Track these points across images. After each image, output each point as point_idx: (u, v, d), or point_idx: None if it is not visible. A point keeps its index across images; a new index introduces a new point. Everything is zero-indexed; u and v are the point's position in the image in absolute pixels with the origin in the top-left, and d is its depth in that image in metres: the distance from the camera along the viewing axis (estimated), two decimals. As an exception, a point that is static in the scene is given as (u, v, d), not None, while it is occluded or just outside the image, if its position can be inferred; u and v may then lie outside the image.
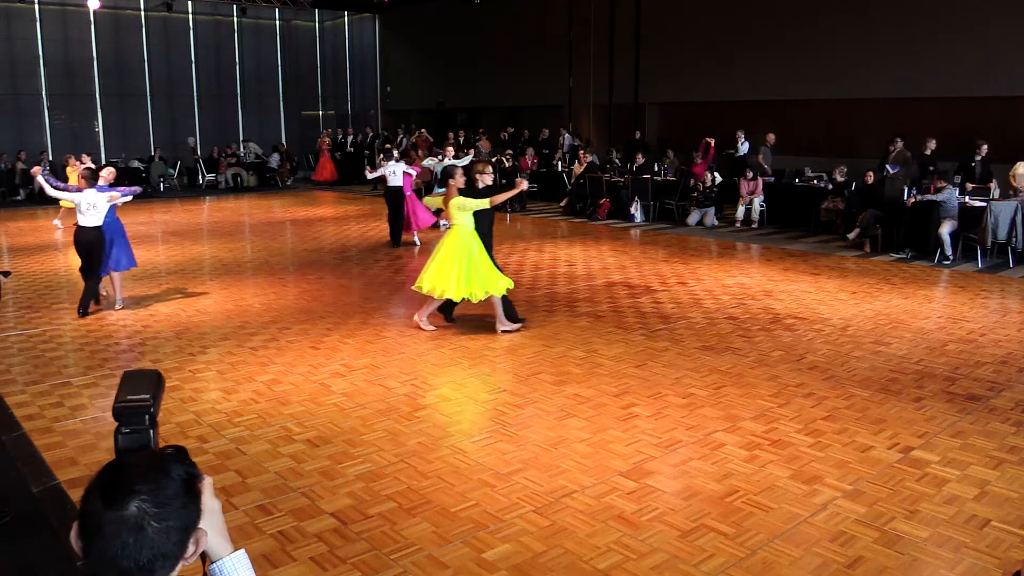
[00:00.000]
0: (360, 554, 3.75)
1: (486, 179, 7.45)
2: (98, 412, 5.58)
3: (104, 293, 8.86)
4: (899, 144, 13.45)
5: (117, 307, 8.61)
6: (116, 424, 1.42)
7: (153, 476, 1.21)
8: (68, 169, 14.74)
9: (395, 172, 12.66)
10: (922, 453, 4.83)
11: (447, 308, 7.76)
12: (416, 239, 13.01)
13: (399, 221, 12.77)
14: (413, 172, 13.03)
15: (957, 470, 4.59)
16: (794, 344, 7.15)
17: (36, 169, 9.49)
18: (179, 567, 1.24)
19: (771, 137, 15.84)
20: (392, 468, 4.67)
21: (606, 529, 3.95)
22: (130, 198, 8.72)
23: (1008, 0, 13.38)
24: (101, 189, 8.29)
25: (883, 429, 5.19)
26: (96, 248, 8.19)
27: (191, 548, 1.24)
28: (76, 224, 8.24)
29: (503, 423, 5.34)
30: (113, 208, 8.47)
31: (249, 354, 6.94)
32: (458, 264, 7.23)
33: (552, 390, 5.97)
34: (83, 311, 8.30)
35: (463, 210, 7.27)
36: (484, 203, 7.23)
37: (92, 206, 8.13)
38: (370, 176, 13.69)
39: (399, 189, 12.64)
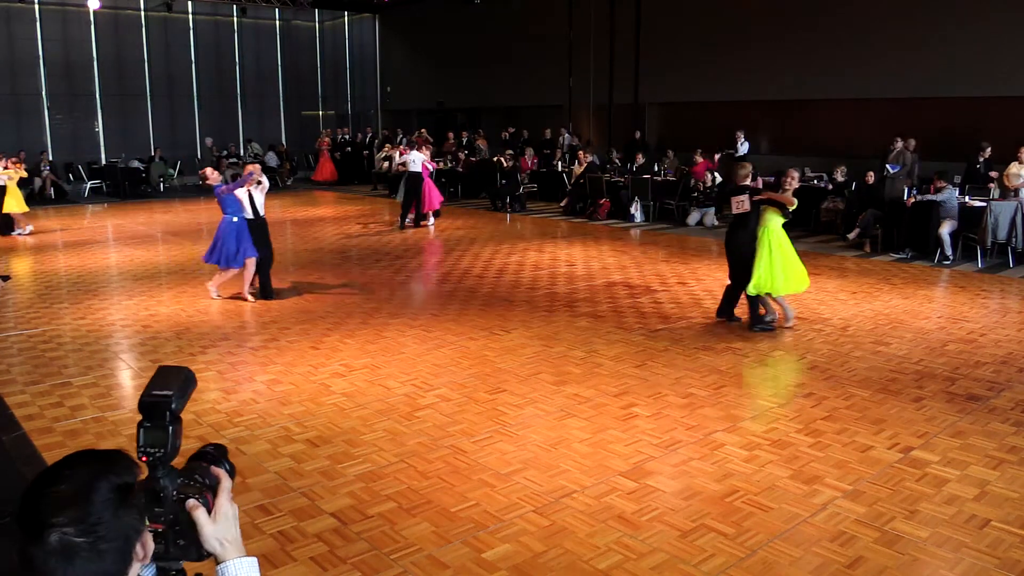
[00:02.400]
0: (360, 554, 3.75)
1: (748, 178, 7.77)
2: (98, 412, 5.58)
3: (252, 290, 9.11)
4: (899, 144, 13.46)
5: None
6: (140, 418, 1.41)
7: (74, 502, 1.15)
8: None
9: (415, 160, 14.63)
10: (922, 453, 4.83)
11: (729, 306, 7.88)
12: (431, 221, 14.89)
13: (412, 202, 14.65)
14: (431, 167, 15.03)
15: (957, 470, 4.59)
16: (794, 344, 7.15)
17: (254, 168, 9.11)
18: (134, 570, 1.21)
19: (912, 142, 13.62)
20: (392, 468, 4.67)
21: (606, 529, 3.95)
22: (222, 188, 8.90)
23: (1008, 0, 13.38)
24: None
25: (883, 429, 5.19)
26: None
27: (140, 553, 1.21)
28: (251, 218, 8.80)
29: (503, 423, 5.34)
30: (235, 205, 8.73)
31: (249, 354, 6.93)
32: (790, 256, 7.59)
33: (552, 390, 5.97)
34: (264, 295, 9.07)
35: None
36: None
37: (262, 193, 8.91)
38: (397, 159, 15.24)
39: (418, 175, 14.56)
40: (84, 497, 1.15)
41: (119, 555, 1.18)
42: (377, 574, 3.60)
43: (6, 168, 14.18)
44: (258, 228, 8.84)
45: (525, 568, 3.63)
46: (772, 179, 15.04)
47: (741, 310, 7.89)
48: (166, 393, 1.39)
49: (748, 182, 7.70)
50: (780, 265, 7.43)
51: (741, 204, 7.51)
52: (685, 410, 5.54)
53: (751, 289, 7.45)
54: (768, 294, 7.51)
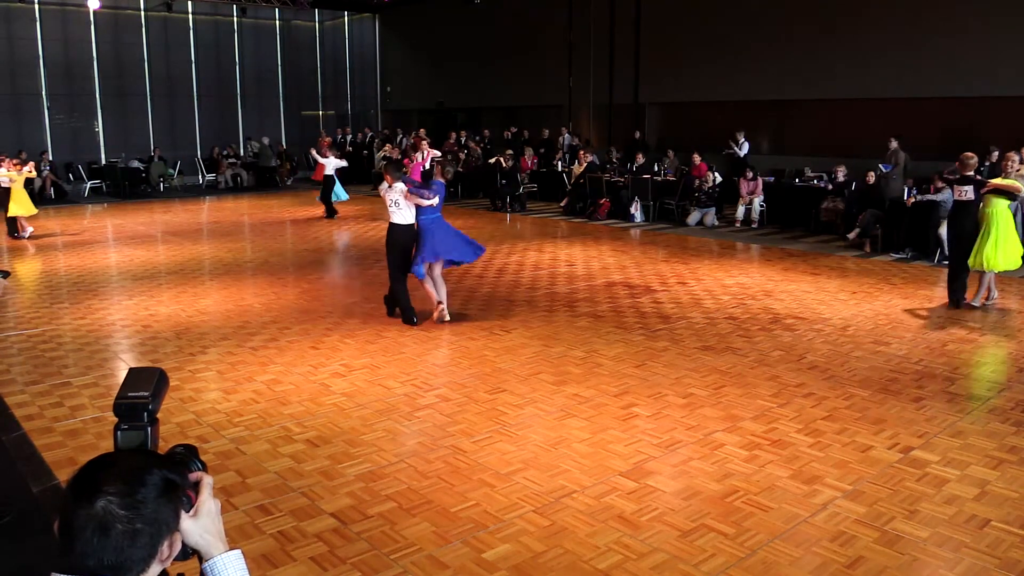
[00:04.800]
0: (360, 554, 3.75)
1: (974, 168, 8.27)
2: (98, 412, 5.58)
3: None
4: (894, 144, 13.46)
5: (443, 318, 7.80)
6: (116, 421, 1.42)
7: (127, 478, 1.22)
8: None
9: (330, 163, 15.94)
10: (922, 453, 4.83)
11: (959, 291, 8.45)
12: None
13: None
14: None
15: (957, 470, 4.59)
16: (794, 344, 7.15)
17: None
18: (155, 569, 1.23)
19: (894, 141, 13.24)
20: (392, 468, 4.67)
21: (606, 529, 3.95)
22: (434, 200, 7.52)
23: (1008, 0, 13.38)
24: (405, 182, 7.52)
25: (883, 429, 5.20)
26: (407, 248, 7.57)
27: (165, 552, 1.24)
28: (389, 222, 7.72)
29: (503, 423, 5.34)
30: (436, 205, 7.53)
31: (249, 354, 6.93)
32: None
33: (552, 390, 5.97)
34: (393, 312, 7.77)
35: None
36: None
37: (394, 203, 7.41)
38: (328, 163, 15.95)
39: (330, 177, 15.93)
40: (137, 477, 1.23)
41: (149, 542, 1.22)
42: (377, 574, 3.60)
43: (8, 170, 13.70)
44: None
45: (525, 568, 3.63)
46: (771, 179, 15.11)
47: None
48: (142, 395, 1.41)
49: (972, 172, 8.17)
50: (1003, 242, 8.01)
51: (965, 192, 8.05)
52: (685, 410, 5.54)
53: (972, 263, 8.04)
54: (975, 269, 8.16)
